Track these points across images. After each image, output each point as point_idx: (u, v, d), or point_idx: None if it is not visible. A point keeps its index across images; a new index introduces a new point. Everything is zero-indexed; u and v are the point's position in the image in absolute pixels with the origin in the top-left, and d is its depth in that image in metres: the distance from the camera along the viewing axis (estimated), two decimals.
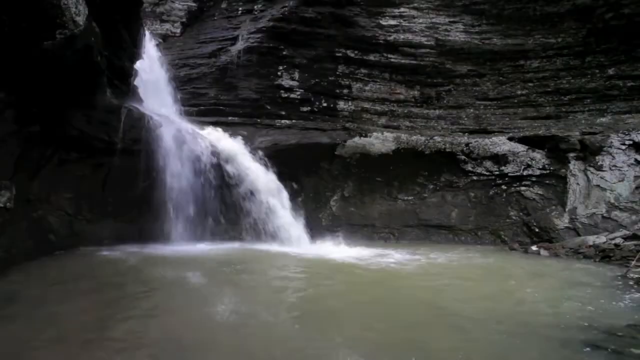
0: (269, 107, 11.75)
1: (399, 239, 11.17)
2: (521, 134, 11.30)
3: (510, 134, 11.40)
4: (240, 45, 11.79)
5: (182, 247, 7.91)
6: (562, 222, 10.20)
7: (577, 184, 10.36)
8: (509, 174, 11.12)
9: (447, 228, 11.25)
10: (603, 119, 11.03)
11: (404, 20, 12.22)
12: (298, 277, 5.70)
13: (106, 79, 6.92)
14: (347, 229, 11.20)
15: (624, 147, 10.12)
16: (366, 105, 12.31)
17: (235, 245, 8.66)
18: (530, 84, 11.98)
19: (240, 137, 10.38)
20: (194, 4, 13.33)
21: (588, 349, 2.96)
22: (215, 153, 9.26)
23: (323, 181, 11.74)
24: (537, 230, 10.45)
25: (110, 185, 7.76)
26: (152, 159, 8.08)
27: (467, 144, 11.33)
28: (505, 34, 11.95)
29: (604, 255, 7.76)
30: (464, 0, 12.07)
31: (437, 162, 11.48)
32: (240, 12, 12.73)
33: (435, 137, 11.51)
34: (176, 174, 8.47)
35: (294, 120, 11.78)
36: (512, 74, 12.11)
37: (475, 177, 11.41)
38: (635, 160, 10.04)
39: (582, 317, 3.77)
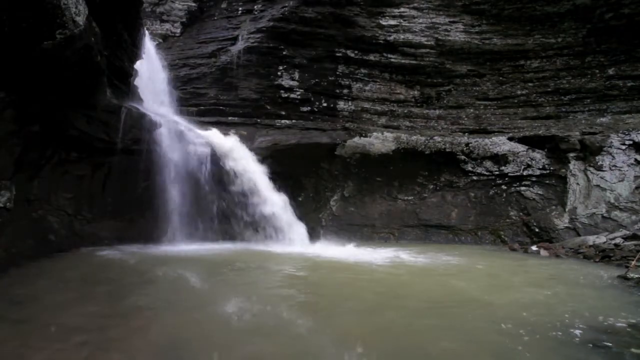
0: (269, 107, 11.75)
1: (399, 239, 11.17)
2: (521, 134, 11.31)
3: (510, 134, 11.41)
4: (240, 45, 11.79)
5: (182, 247, 7.91)
6: (562, 222, 10.20)
7: (577, 184, 10.36)
8: (509, 174, 11.13)
9: (447, 228, 11.26)
10: (603, 119, 11.04)
11: (404, 20, 12.22)
12: (298, 277, 5.71)
13: (106, 79, 6.93)
14: (347, 229, 11.21)
15: (624, 147, 10.13)
16: (366, 105, 12.31)
17: (235, 246, 8.66)
18: (530, 84, 11.98)
19: (240, 137, 10.39)
20: (194, 4, 13.33)
21: (588, 348, 2.96)
22: (214, 153, 9.26)
23: (323, 181, 11.74)
24: (537, 230, 10.45)
25: (110, 185, 7.75)
26: (152, 159, 8.08)
27: (467, 144, 11.34)
28: (505, 34, 11.96)
29: (604, 255, 7.76)
30: (464, 0, 12.07)
31: (437, 162, 11.49)
32: (240, 12, 12.74)
33: (435, 137, 11.52)
34: (176, 174, 8.47)
35: (294, 120, 11.78)
36: (512, 74, 12.13)
37: (475, 177, 11.42)
38: (635, 160, 10.05)
39: (582, 317, 3.77)
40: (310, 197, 11.64)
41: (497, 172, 11.23)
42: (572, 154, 10.51)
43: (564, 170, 10.61)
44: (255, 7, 12.50)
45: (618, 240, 8.29)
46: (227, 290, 4.61)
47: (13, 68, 4.91)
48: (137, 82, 9.43)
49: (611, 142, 10.20)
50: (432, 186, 11.71)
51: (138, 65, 9.34)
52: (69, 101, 6.31)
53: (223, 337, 3.09)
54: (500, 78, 12.22)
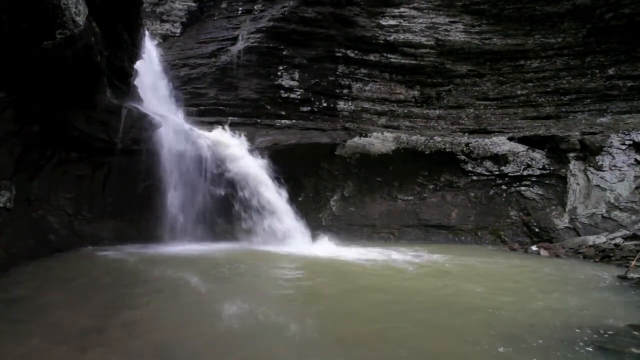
0: (269, 107, 11.75)
1: (399, 239, 11.17)
2: (521, 134, 11.31)
3: (510, 134, 11.41)
4: (240, 45, 11.79)
5: (182, 247, 7.90)
6: (562, 222, 10.20)
7: (577, 184, 10.36)
8: (509, 174, 11.13)
9: (447, 228, 11.26)
10: (603, 119, 11.04)
11: (404, 20, 12.22)
12: (297, 277, 5.70)
13: (106, 79, 6.92)
14: (347, 229, 11.21)
15: (624, 147, 10.13)
16: (366, 105, 12.31)
17: (234, 246, 8.65)
18: (530, 84, 11.99)
19: (239, 137, 10.39)
20: (194, 4, 13.33)
21: (588, 348, 2.96)
22: (214, 153, 9.26)
23: (323, 181, 11.74)
24: (537, 230, 10.45)
25: (110, 185, 7.75)
26: (152, 159, 8.08)
27: (467, 144, 11.34)
28: (505, 34, 11.97)
29: (604, 255, 7.76)
30: (464, 0, 12.07)
31: (437, 162, 11.49)
32: (240, 12, 12.74)
33: (435, 137, 11.51)
34: (176, 174, 8.46)
35: (294, 120, 11.79)
36: (512, 74, 12.13)
37: (475, 177, 11.42)
38: (635, 160, 10.05)
39: (583, 317, 3.77)
40: (310, 197, 11.65)
41: (497, 172, 11.23)
42: (572, 154, 10.51)
43: (564, 170, 10.61)
44: (255, 7, 12.50)
45: (618, 240, 8.29)
46: (226, 291, 4.61)
47: (13, 68, 4.91)
48: (137, 82, 9.42)
49: (611, 142, 10.20)
50: (432, 186, 11.71)
51: (138, 65, 9.33)
52: (69, 101, 6.30)
53: (221, 338, 3.09)
54: (500, 78, 12.22)
